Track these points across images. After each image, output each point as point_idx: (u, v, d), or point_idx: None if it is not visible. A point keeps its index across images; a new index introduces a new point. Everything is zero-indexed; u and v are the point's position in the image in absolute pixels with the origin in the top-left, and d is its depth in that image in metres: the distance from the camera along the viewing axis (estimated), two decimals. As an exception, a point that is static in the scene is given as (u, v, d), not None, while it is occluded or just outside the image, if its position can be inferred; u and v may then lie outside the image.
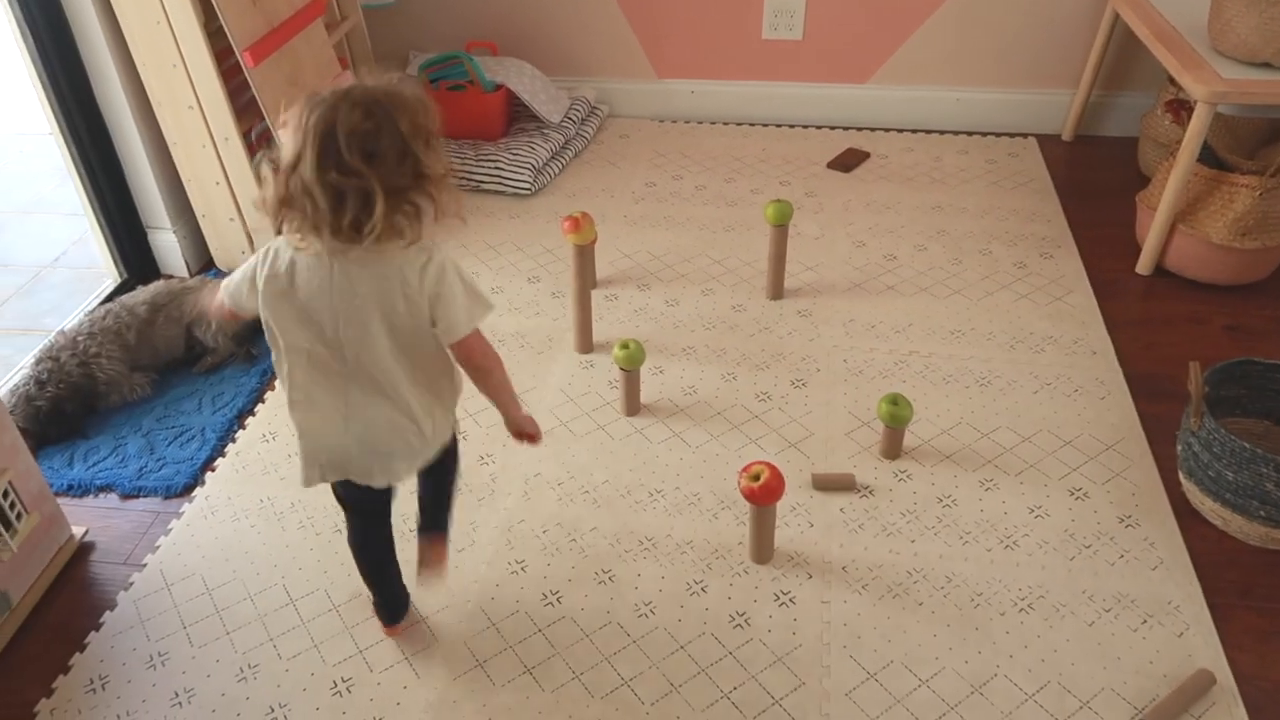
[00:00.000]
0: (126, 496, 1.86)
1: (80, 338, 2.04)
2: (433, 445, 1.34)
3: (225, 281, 1.29)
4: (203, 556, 1.71)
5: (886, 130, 3.03)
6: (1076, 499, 1.75)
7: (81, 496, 1.86)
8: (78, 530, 1.76)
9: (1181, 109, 2.56)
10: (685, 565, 1.65)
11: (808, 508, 1.75)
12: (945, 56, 2.92)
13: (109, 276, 2.48)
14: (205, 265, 2.53)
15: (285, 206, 1.13)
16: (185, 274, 2.48)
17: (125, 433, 1.99)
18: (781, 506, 1.68)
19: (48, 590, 1.67)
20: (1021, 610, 1.56)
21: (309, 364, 1.24)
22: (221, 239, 2.45)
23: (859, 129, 3.05)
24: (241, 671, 1.51)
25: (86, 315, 2.14)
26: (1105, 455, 1.84)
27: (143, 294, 2.16)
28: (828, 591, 1.60)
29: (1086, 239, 2.47)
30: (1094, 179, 2.75)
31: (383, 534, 1.48)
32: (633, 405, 1.96)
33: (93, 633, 1.59)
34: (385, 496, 1.42)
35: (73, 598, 1.67)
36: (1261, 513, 1.60)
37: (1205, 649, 1.49)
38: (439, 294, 1.20)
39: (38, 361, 2.01)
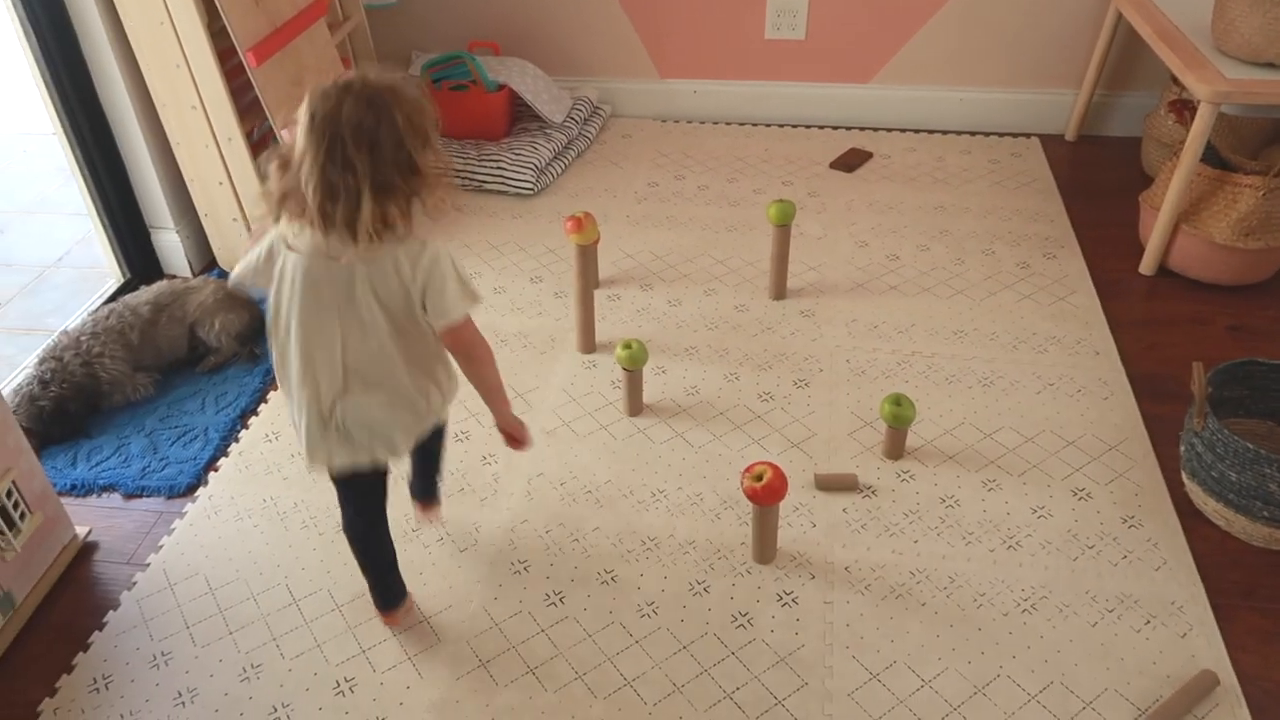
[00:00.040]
0: (130, 496, 1.86)
1: (83, 337, 2.04)
2: (426, 422, 1.38)
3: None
4: (206, 556, 1.71)
5: (889, 130, 3.03)
6: (1079, 499, 1.75)
7: (85, 496, 1.86)
8: (81, 530, 1.76)
9: (1185, 109, 2.56)
10: (688, 565, 1.65)
11: (810, 508, 1.75)
12: (948, 56, 2.92)
13: (112, 276, 2.48)
14: (208, 265, 2.54)
15: (288, 198, 1.18)
16: (188, 274, 2.48)
17: (128, 432, 1.99)
18: (784, 507, 1.69)
19: (51, 590, 1.67)
20: (1024, 611, 1.55)
21: (309, 342, 1.27)
22: (224, 239, 2.45)
23: (862, 129, 3.04)
24: (244, 671, 1.52)
25: (90, 315, 2.15)
26: (1108, 456, 1.83)
27: (146, 294, 2.17)
28: (830, 592, 1.60)
29: (1089, 239, 2.47)
30: (1097, 179, 2.75)
31: (379, 519, 1.49)
32: (635, 405, 1.96)
33: (96, 632, 1.59)
34: (381, 478, 1.43)
35: (76, 597, 1.67)
36: (1265, 513, 1.60)
37: (1208, 650, 1.49)
38: (430, 279, 1.24)
39: (41, 361, 2.01)
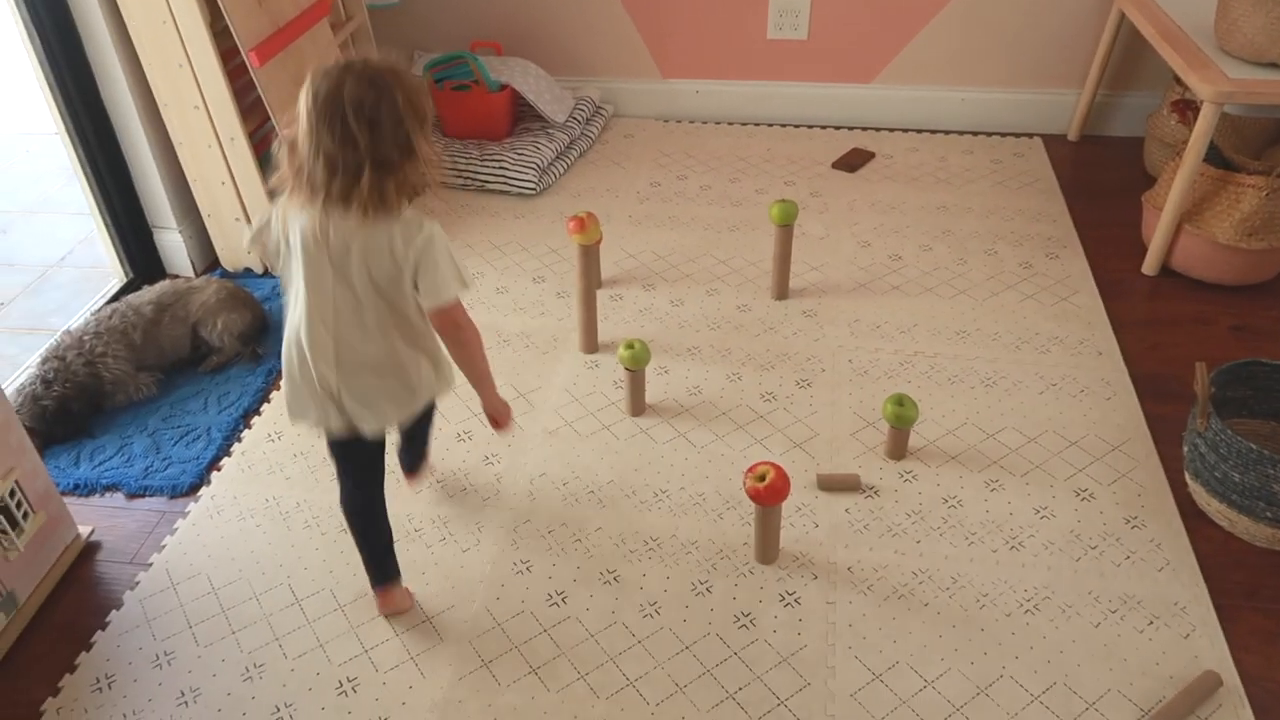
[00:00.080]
0: (132, 496, 1.86)
1: (86, 337, 2.04)
2: (420, 398, 1.41)
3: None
4: (208, 556, 1.71)
5: (891, 130, 3.03)
6: (1082, 500, 1.74)
7: (87, 496, 1.86)
8: (84, 529, 1.76)
9: (1187, 109, 2.55)
10: (690, 565, 1.65)
11: (813, 508, 1.75)
12: (950, 56, 2.92)
13: (115, 276, 2.48)
14: (210, 265, 2.54)
15: (296, 176, 1.22)
16: (191, 273, 2.49)
17: (131, 432, 2.00)
18: (787, 507, 1.68)
19: (54, 589, 1.67)
20: (1027, 611, 1.55)
21: (311, 311, 1.31)
22: (227, 239, 2.45)
23: (864, 129, 3.04)
24: (247, 671, 1.52)
25: (92, 315, 2.15)
26: (1111, 456, 1.83)
27: (148, 293, 2.17)
28: (833, 592, 1.60)
29: (1092, 239, 2.46)
30: (1100, 179, 2.75)
31: (376, 493, 1.51)
32: (638, 405, 1.96)
33: (99, 632, 1.60)
34: (378, 449, 1.46)
35: (79, 597, 1.67)
36: (1268, 514, 1.60)
37: (1211, 650, 1.49)
38: (424, 258, 1.28)
39: (44, 361, 2.01)
